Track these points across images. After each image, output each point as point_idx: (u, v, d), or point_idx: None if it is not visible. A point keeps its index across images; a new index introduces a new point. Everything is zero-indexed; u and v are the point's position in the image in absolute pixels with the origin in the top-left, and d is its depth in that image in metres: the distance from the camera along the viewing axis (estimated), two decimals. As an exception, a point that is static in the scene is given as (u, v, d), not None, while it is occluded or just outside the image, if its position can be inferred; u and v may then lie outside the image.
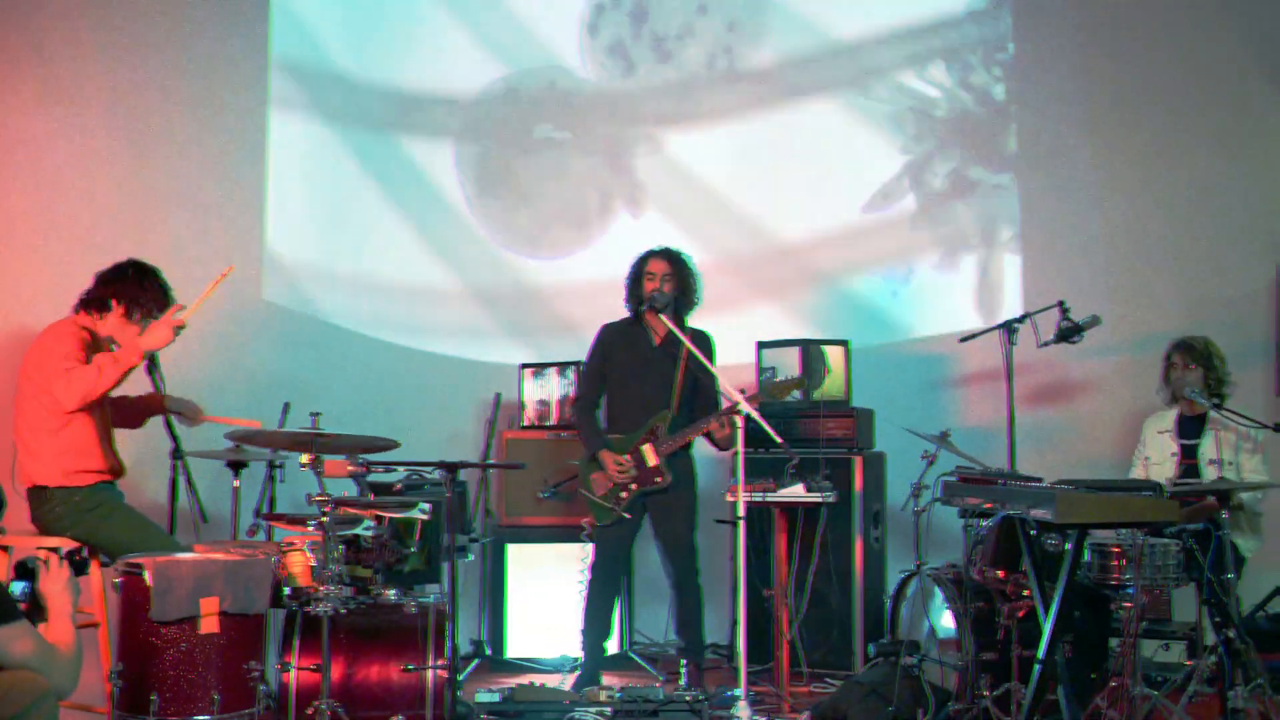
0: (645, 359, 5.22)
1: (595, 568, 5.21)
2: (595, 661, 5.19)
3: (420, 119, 6.66)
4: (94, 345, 4.23)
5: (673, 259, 5.23)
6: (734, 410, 4.66)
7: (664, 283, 5.17)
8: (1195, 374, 5.20)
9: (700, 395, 5.22)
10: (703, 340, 5.26)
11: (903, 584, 4.87)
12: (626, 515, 5.13)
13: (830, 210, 6.79)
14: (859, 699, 4.52)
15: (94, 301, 4.28)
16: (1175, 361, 5.29)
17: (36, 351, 4.19)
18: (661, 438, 5.12)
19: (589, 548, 5.25)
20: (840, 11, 6.81)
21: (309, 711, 3.77)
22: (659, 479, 5.11)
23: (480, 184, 6.79)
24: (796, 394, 5.50)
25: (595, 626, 5.21)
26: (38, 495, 4.15)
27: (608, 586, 5.25)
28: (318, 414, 4.40)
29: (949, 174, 6.71)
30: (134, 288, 4.27)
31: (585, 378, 5.37)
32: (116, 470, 4.31)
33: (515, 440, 6.04)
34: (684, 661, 5.21)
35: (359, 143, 6.45)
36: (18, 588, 3.05)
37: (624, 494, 5.12)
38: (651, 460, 5.11)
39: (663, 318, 5.06)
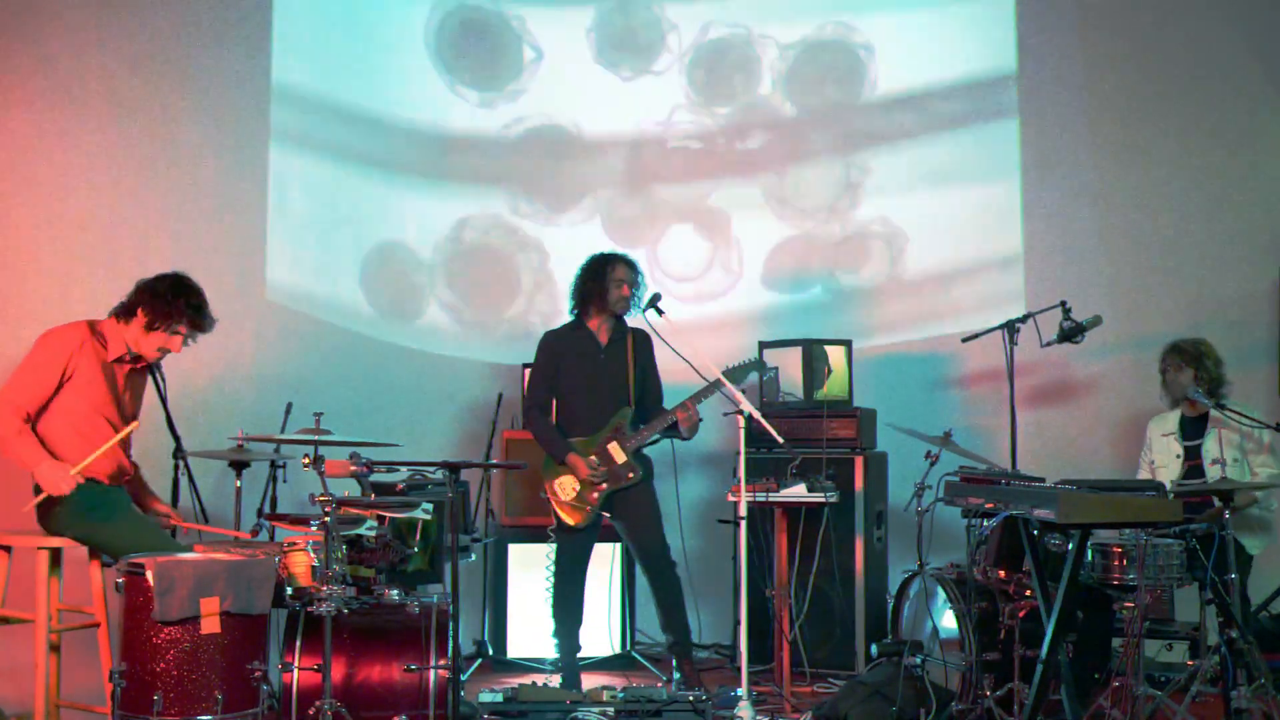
0: (595, 361, 5.24)
1: (560, 572, 5.22)
2: (574, 662, 5.20)
3: (421, 117, 6.66)
4: (99, 348, 4.22)
5: (632, 264, 5.28)
6: (721, 400, 4.69)
7: (634, 291, 5.20)
8: (1185, 374, 5.23)
9: (649, 393, 5.27)
10: (643, 338, 5.31)
11: (905, 584, 4.87)
12: (605, 515, 5.14)
13: (832, 210, 6.79)
14: (861, 699, 4.52)
15: (124, 307, 4.30)
16: (1168, 365, 5.33)
17: (35, 342, 4.21)
18: (626, 434, 5.13)
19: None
20: (843, 11, 6.83)
21: (311, 711, 3.76)
22: (630, 475, 5.12)
23: (484, 181, 6.78)
24: (758, 368, 5.50)
25: (568, 629, 5.22)
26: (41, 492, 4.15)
27: (577, 587, 5.24)
28: (320, 414, 4.42)
29: (950, 173, 6.71)
30: (162, 302, 4.27)
31: (534, 385, 5.34)
32: (118, 475, 4.30)
33: (516, 440, 6.03)
34: (675, 660, 5.18)
35: (361, 142, 6.44)
36: None
37: (594, 495, 5.13)
38: (620, 458, 5.13)
39: (647, 318, 5.06)
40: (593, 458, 5.11)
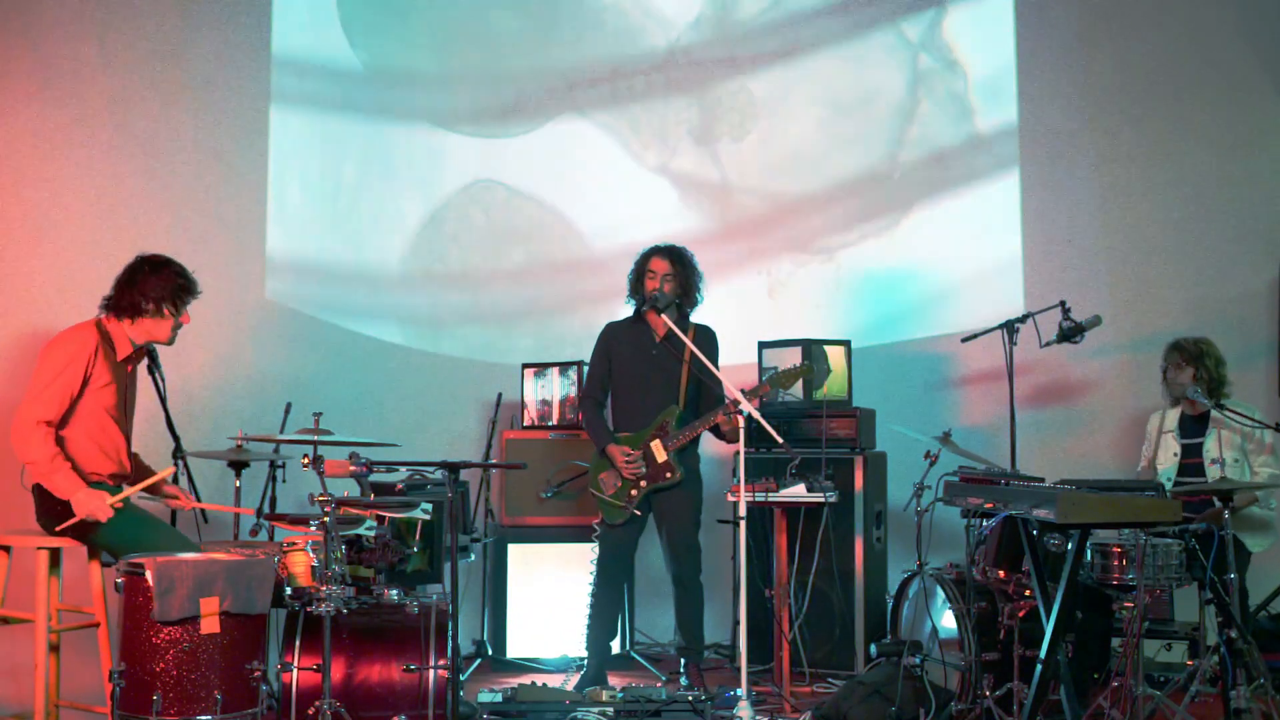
0: (648, 357, 5.22)
1: (601, 567, 5.21)
2: (601, 661, 5.19)
3: (423, 114, 6.66)
4: (109, 351, 4.23)
5: (674, 257, 5.21)
6: (736, 409, 4.66)
7: (664, 282, 5.17)
8: (1185, 373, 5.24)
9: (705, 391, 5.22)
10: (707, 336, 5.26)
11: (904, 584, 4.87)
12: (637, 513, 5.13)
13: (833, 210, 6.79)
14: (861, 699, 4.52)
15: (118, 306, 4.30)
16: (1168, 363, 5.35)
17: (42, 353, 4.20)
18: (670, 433, 5.12)
19: (595, 547, 5.25)
20: (843, 13, 6.83)
21: (310, 711, 3.76)
22: (669, 475, 5.10)
23: (482, 182, 6.78)
24: (799, 383, 5.48)
25: (601, 626, 5.21)
26: (41, 493, 4.15)
27: (614, 586, 5.24)
28: (319, 414, 4.42)
29: (950, 174, 6.71)
30: (153, 283, 4.28)
31: (590, 377, 5.37)
32: (120, 475, 4.30)
33: (516, 440, 6.03)
34: (684, 661, 5.21)
35: (361, 143, 6.44)
36: None
37: (634, 492, 5.12)
38: (660, 456, 5.11)
39: (663, 318, 5.06)
40: (630, 450, 5.10)
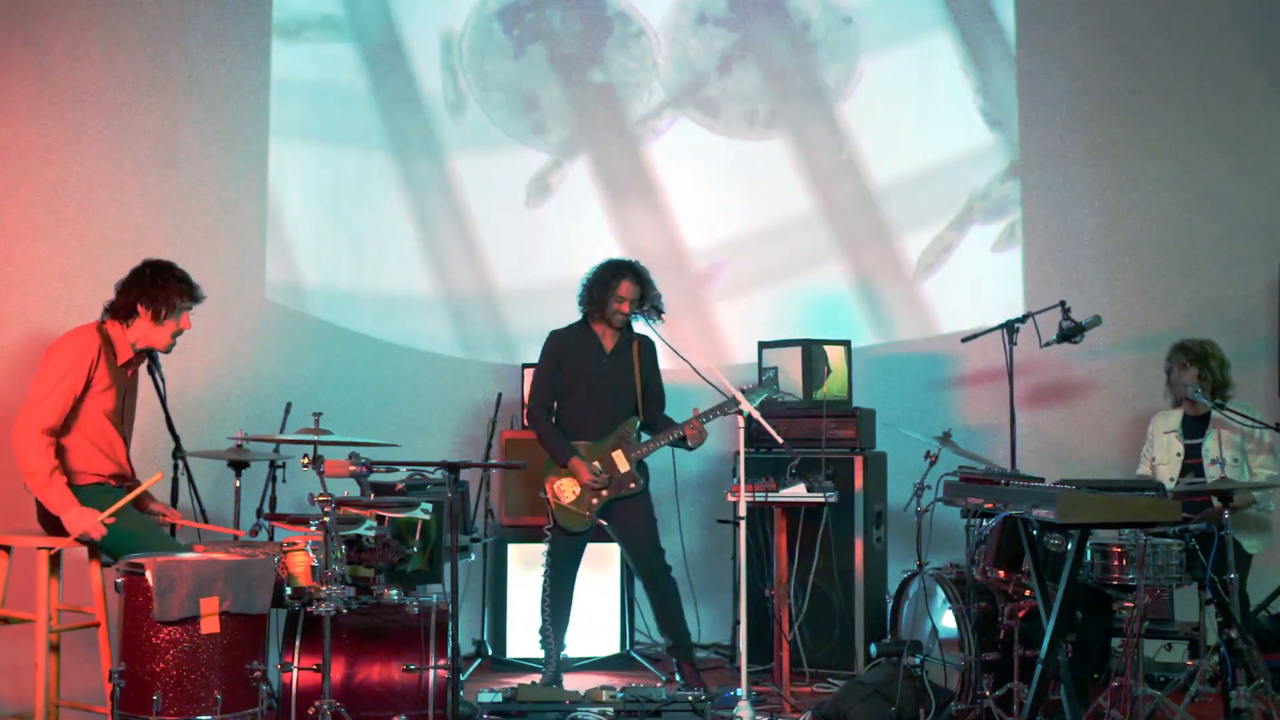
0: (599, 366, 5.22)
1: (556, 572, 5.19)
2: (559, 662, 5.19)
3: (422, 110, 6.66)
4: (110, 355, 4.23)
5: (642, 279, 5.19)
6: (735, 410, 4.68)
7: (634, 306, 5.16)
8: (1189, 373, 5.24)
9: (651, 399, 5.26)
10: (649, 347, 5.31)
11: (904, 584, 4.87)
12: (602, 521, 5.14)
13: (833, 209, 6.79)
14: (861, 699, 4.52)
15: (119, 310, 4.30)
16: (1172, 364, 5.35)
17: (45, 355, 4.19)
18: (632, 444, 5.13)
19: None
20: (841, 14, 6.83)
21: (310, 712, 3.76)
22: (633, 484, 5.12)
23: (482, 180, 6.78)
24: (773, 391, 5.42)
25: (559, 630, 5.20)
26: (44, 495, 4.15)
27: (568, 589, 5.23)
28: (319, 414, 4.43)
29: (950, 174, 6.71)
30: (152, 288, 4.28)
31: (538, 385, 5.30)
32: (121, 476, 4.30)
33: (516, 440, 6.03)
34: (676, 660, 5.19)
35: (360, 143, 6.44)
36: None
37: (595, 500, 5.12)
38: (624, 466, 5.12)
39: (657, 327, 5.09)
40: (595, 464, 5.11)
